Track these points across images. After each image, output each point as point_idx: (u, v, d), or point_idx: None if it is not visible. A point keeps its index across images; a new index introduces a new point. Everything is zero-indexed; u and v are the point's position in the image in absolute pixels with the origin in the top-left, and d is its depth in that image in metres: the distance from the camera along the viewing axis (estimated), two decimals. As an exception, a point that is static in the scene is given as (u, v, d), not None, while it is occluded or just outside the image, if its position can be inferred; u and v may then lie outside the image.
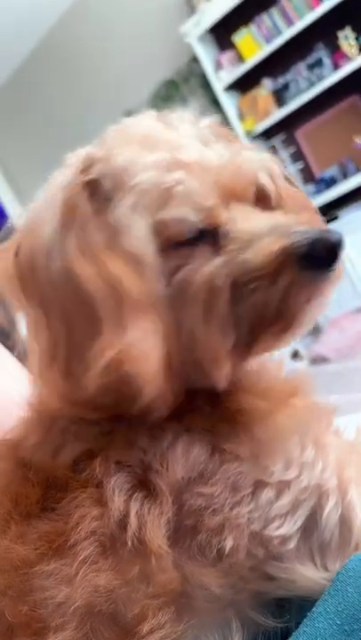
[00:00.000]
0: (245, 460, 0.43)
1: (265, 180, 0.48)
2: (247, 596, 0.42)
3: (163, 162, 0.44)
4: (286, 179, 0.52)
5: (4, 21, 3.57)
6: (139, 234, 0.42)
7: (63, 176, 0.46)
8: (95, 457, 0.43)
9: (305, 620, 0.39)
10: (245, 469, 0.43)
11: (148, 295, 0.41)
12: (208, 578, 0.41)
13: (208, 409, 0.45)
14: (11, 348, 0.74)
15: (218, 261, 0.43)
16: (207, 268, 0.43)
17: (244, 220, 0.45)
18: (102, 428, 0.44)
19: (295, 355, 2.78)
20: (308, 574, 0.42)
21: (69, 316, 0.41)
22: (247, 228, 0.44)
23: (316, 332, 2.80)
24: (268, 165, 0.49)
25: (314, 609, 0.39)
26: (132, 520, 0.40)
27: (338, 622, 0.37)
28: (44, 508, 0.42)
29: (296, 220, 0.45)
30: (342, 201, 3.33)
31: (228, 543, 0.41)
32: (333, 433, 0.48)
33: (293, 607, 0.43)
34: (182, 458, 0.42)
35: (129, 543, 0.40)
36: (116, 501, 0.41)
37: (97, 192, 0.44)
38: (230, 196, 0.45)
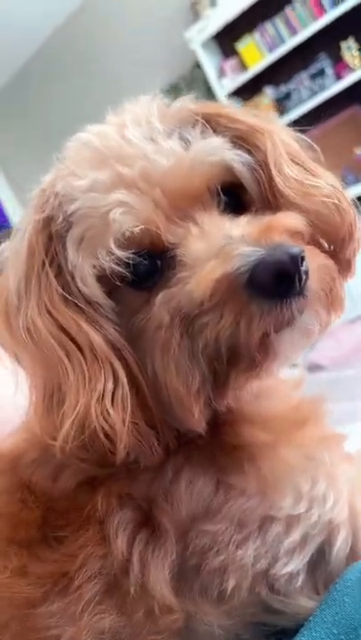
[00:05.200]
0: (252, 496, 0.41)
1: (225, 176, 0.42)
2: (250, 627, 0.41)
3: (103, 182, 0.40)
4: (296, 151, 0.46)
5: (7, 26, 3.57)
6: (86, 279, 0.40)
7: (28, 214, 0.44)
8: (97, 487, 0.41)
9: (302, 630, 0.39)
10: (252, 505, 0.41)
11: (106, 346, 0.39)
12: (211, 617, 0.40)
13: (203, 442, 0.41)
14: None
15: (166, 295, 0.39)
16: (157, 302, 0.39)
17: (198, 238, 0.39)
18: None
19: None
20: (310, 606, 0.41)
21: (43, 366, 0.40)
22: (195, 248, 0.39)
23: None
24: (224, 157, 0.42)
25: (311, 618, 0.39)
26: (135, 565, 0.39)
27: (335, 632, 0.37)
28: (45, 536, 0.41)
29: (257, 229, 0.38)
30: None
31: (231, 584, 0.40)
32: (345, 460, 0.45)
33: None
34: (186, 493, 0.40)
35: (132, 590, 0.39)
36: (119, 542, 0.39)
37: (52, 230, 0.42)
38: (187, 202, 0.40)
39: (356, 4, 3.01)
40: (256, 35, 3.37)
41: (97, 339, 0.39)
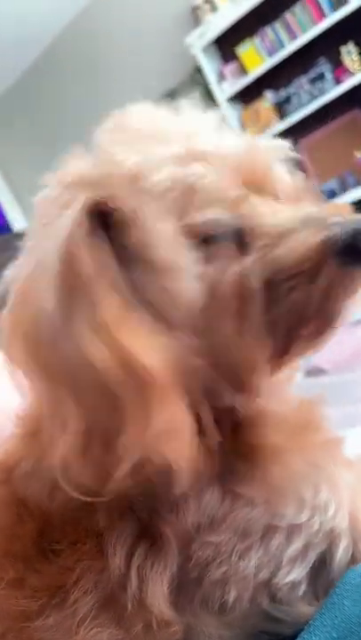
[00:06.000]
0: (257, 505, 0.40)
1: (283, 171, 0.44)
2: (251, 637, 0.41)
3: (178, 155, 0.39)
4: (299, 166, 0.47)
5: (9, 29, 3.59)
6: (175, 244, 0.37)
7: (59, 217, 0.37)
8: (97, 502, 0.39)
9: (302, 634, 0.38)
10: (257, 514, 0.40)
11: (170, 368, 0.35)
12: (211, 628, 0.39)
13: (227, 445, 0.40)
14: None
15: (247, 261, 0.38)
16: (236, 269, 0.38)
17: (270, 214, 0.40)
18: None
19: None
20: (310, 612, 0.40)
21: (90, 401, 0.35)
22: (276, 221, 0.40)
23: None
24: (286, 154, 0.45)
25: (311, 622, 0.39)
26: (133, 580, 0.38)
27: (335, 635, 0.37)
28: (41, 549, 0.40)
29: (326, 211, 0.41)
30: (342, 214, 3.34)
31: (232, 595, 0.39)
32: (346, 465, 0.45)
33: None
34: (194, 502, 0.39)
35: (129, 606, 0.38)
36: (117, 557, 0.38)
37: (105, 228, 0.37)
38: (250, 187, 0.41)
39: (355, 8, 3.02)
40: (256, 39, 3.38)
41: (158, 364, 0.34)
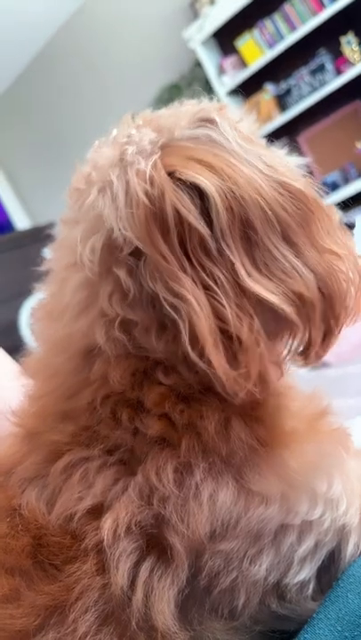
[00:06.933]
0: (272, 503, 0.39)
1: None
2: (258, 637, 0.41)
3: None
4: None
5: (8, 27, 3.58)
6: None
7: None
8: (102, 514, 0.38)
9: (305, 627, 0.38)
10: (271, 513, 0.39)
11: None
12: (219, 633, 0.39)
13: (246, 435, 0.40)
14: (13, 349, 0.72)
15: None
16: None
17: None
18: (118, 473, 0.39)
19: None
20: (316, 608, 0.40)
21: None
22: None
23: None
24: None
25: (315, 615, 0.39)
26: (138, 598, 0.37)
27: (339, 629, 0.37)
28: (38, 561, 0.38)
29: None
30: (344, 206, 3.32)
31: (241, 600, 0.39)
32: (354, 456, 0.45)
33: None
34: (208, 505, 0.38)
35: (133, 622, 0.36)
36: (120, 574, 0.37)
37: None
38: None
39: (355, -2, 3.00)
40: (255, 32, 3.36)
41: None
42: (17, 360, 0.69)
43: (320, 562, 0.41)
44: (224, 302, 0.38)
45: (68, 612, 0.36)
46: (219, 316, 0.38)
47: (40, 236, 0.75)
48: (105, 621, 0.37)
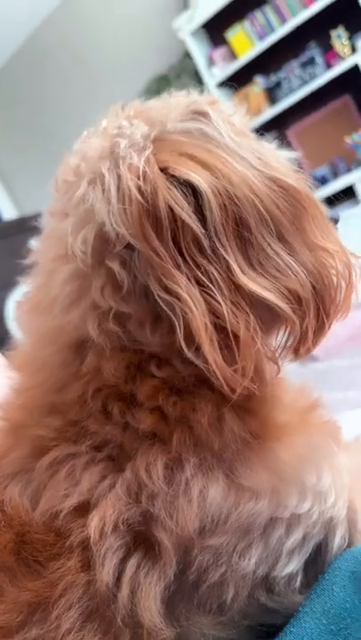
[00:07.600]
0: (263, 497, 0.39)
1: None
2: (245, 632, 0.41)
3: None
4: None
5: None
6: None
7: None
8: (89, 511, 0.37)
9: (291, 620, 0.38)
10: (261, 507, 0.39)
11: None
12: (207, 628, 0.38)
13: (238, 429, 0.40)
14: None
15: None
16: None
17: None
18: (105, 470, 0.39)
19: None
20: (302, 601, 0.40)
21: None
22: None
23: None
24: None
25: (301, 608, 0.39)
26: (124, 594, 0.36)
27: (324, 622, 0.37)
28: (21, 557, 0.38)
29: None
30: (333, 200, 3.34)
31: (230, 595, 0.38)
32: (344, 449, 0.45)
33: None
34: (198, 501, 0.38)
35: (118, 618, 0.36)
36: (105, 570, 0.36)
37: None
38: None
39: (345, -9, 3.00)
40: (246, 23, 3.34)
41: None
42: (2, 353, 0.69)
43: (308, 554, 0.41)
44: (219, 299, 0.38)
45: (51, 609, 0.36)
46: (214, 313, 0.38)
47: (26, 226, 0.74)
48: (89, 618, 0.36)
